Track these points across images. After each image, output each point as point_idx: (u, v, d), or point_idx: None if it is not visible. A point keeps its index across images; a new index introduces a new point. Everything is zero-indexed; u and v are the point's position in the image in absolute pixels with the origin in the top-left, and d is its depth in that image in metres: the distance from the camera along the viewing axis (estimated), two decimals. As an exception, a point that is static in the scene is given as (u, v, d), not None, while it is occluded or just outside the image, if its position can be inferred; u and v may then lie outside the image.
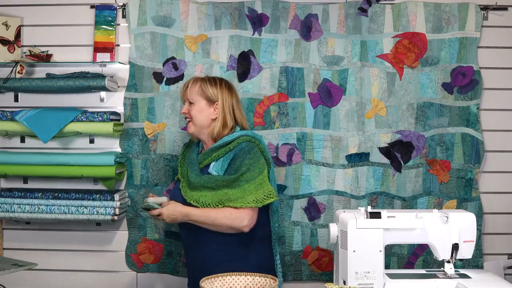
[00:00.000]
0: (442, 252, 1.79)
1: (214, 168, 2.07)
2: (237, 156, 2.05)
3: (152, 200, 2.05)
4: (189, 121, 2.15)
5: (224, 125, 2.12)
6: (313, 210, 2.58)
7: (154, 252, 2.62)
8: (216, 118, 2.12)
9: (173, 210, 2.03)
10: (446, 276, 1.78)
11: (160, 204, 2.05)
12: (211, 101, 2.12)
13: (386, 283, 1.72)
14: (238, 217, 1.99)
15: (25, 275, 2.59)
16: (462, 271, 1.84)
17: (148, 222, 2.61)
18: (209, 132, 2.13)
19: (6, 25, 2.60)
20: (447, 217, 1.78)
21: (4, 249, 2.68)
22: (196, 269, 2.08)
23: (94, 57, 2.59)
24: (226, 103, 2.13)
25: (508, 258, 2.60)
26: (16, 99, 2.67)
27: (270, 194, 2.03)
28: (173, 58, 2.60)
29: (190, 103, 2.13)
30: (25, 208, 2.49)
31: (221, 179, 2.02)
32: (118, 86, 2.64)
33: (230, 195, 2.00)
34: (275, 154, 2.57)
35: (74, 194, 2.49)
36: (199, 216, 2.01)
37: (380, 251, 1.71)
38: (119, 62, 2.61)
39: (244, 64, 2.58)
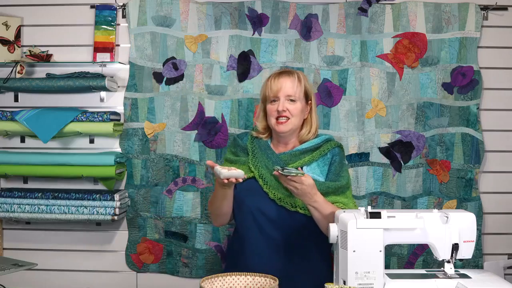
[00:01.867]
0: (442, 252, 1.78)
1: (314, 172, 1.96)
2: (335, 161, 1.98)
3: (229, 173, 1.77)
4: (284, 121, 1.96)
5: (316, 126, 2.04)
6: (313, 210, 2.57)
7: (154, 252, 2.62)
8: (307, 118, 2.03)
9: (312, 182, 1.80)
10: (446, 276, 1.78)
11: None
12: (307, 100, 2.02)
13: (386, 283, 1.72)
14: None
15: (25, 275, 2.59)
16: (462, 271, 1.84)
17: (148, 222, 2.61)
18: (302, 133, 2.02)
19: (6, 25, 2.60)
20: (447, 217, 1.78)
21: (4, 249, 2.68)
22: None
23: (94, 57, 2.59)
24: (314, 102, 2.05)
25: (508, 258, 2.60)
26: (16, 99, 2.67)
27: (355, 202, 2.01)
28: (173, 58, 2.60)
29: (291, 100, 1.96)
30: (25, 208, 2.49)
31: (333, 186, 1.92)
32: (118, 86, 2.64)
33: (338, 200, 1.93)
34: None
35: (74, 194, 2.49)
36: (325, 204, 1.85)
37: (380, 251, 1.71)
38: (119, 62, 2.61)
39: (244, 64, 2.58)
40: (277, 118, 1.97)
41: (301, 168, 1.95)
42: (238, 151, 2.08)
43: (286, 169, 1.75)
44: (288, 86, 1.96)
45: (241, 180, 1.79)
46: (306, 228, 1.94)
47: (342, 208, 1.92)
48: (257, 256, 1.94)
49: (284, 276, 1.75)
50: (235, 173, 1.77)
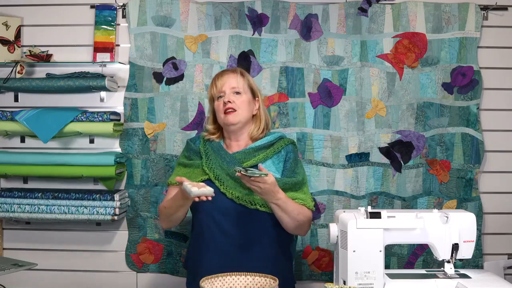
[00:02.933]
0: (442, 252, 1.79)
1: (269, 169, 1.96)
2: (290, 158, 2.01)
3: (194, 189, 1.70)
4: (231, 111, 1.98)
5: (265, 123, 2.07)
6: (313, 210, 2.58)
7: (154, 252, 2.62)
8: (256, 114, 2.07)
9: (274, 181, 1.81)
10: (446, 276, 1.78)
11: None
12: (254, 96, 2.06)
13: (386, 283, 1.72)
14: (309, 219, 1.95)
15: (25, 275, 2.59)
16: (462, 271, 1.84)
17: (148, 222, 2.61)
18: (251, 129, 2.05)
19: (6, 25, 2.60)
20: (447, 217, 1.78)
21: (4, 249, 2.68)
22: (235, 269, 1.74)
23: (94, 57, 2.59)
24: (262, 99, 2.10)
25: (508, 258, 2.60)
26: (16, 99, 2.67)
27: (312, 198, 2.02)
28: (173, 58, 2.60)
29: (237, 92, 2.01)
30: (25, 208, 2.49)
31: (290, 182, 1.94)
32: (118, 86, 2.64)
33: (297, 196, 1.95)
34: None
35: (74, 194, 2.49)
36: (287, 201, 1.88)
37: (380, 251, 1.71)
38: (119, 62, 2.61)
39: (244, 64, 2.58)
40: (224, 111, 2.00)
41: (255, 165, 1.96)
42: (192, 155, 2.09)
43: (250, 170, 1.74)
44: (231, 79, 2.03)
45: (210, 198, 1.74)
46: (266, 225, 1.96)
47: (302, 204, 1.94)
48: (219, 255, 1.94)
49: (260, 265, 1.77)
50: (206, 191, 1.71)
